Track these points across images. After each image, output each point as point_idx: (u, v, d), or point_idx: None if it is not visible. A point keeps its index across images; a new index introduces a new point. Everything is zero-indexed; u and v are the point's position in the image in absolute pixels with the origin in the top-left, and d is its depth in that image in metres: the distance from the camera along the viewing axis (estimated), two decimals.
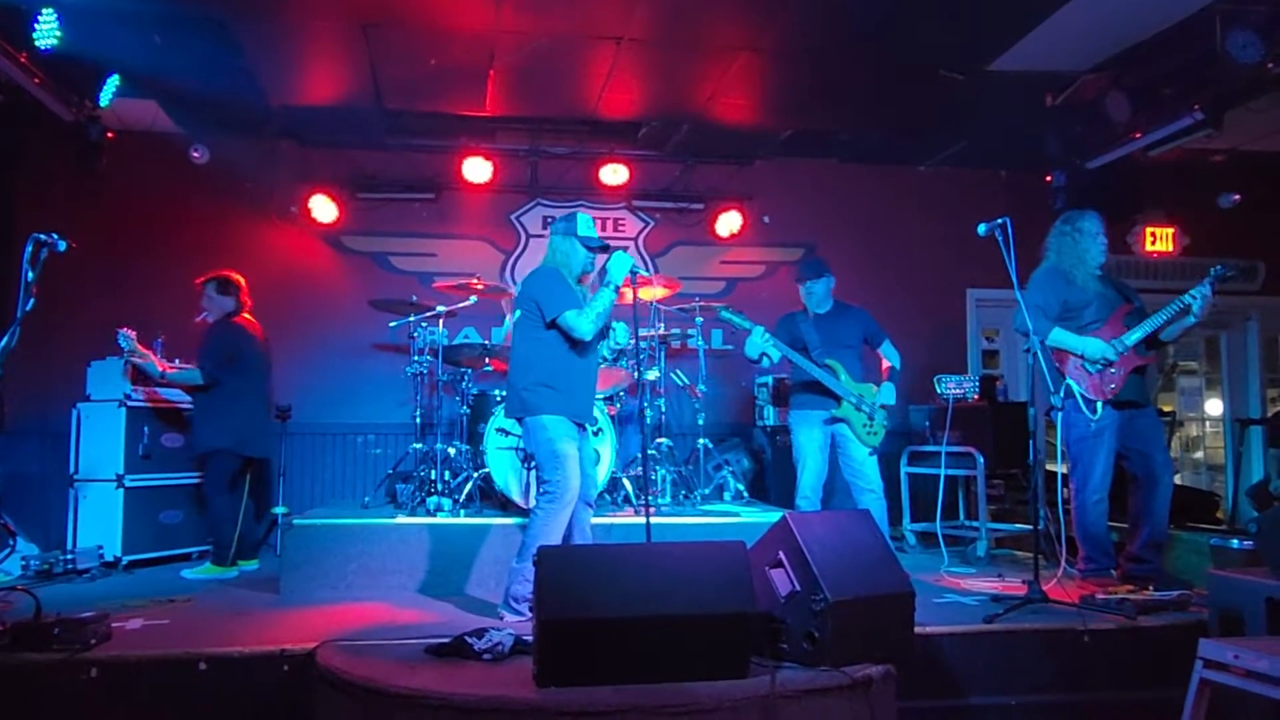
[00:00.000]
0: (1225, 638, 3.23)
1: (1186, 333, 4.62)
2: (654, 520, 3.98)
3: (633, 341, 4.75)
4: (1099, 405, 4.48)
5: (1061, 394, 4.48)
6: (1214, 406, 8.56)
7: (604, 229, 7.35)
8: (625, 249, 7.37)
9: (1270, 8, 4.73)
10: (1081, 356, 4.52)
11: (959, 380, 5.94)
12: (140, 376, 5.55)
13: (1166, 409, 7.60)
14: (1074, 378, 4.50)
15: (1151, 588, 4.17)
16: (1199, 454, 8.69)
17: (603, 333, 4.27)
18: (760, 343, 4.82)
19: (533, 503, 4.65)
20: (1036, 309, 4.54)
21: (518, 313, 4.07)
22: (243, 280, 5.49)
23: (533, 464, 4.59)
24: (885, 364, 5.15)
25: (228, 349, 5.29)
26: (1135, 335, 4.50)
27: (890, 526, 5.45)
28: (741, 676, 2.89)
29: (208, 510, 5.38)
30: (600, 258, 4.16)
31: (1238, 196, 7.25)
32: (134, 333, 5.25)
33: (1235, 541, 4.67)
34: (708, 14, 5.20)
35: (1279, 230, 7.78)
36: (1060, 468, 4.74)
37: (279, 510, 6.13)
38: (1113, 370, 4.49)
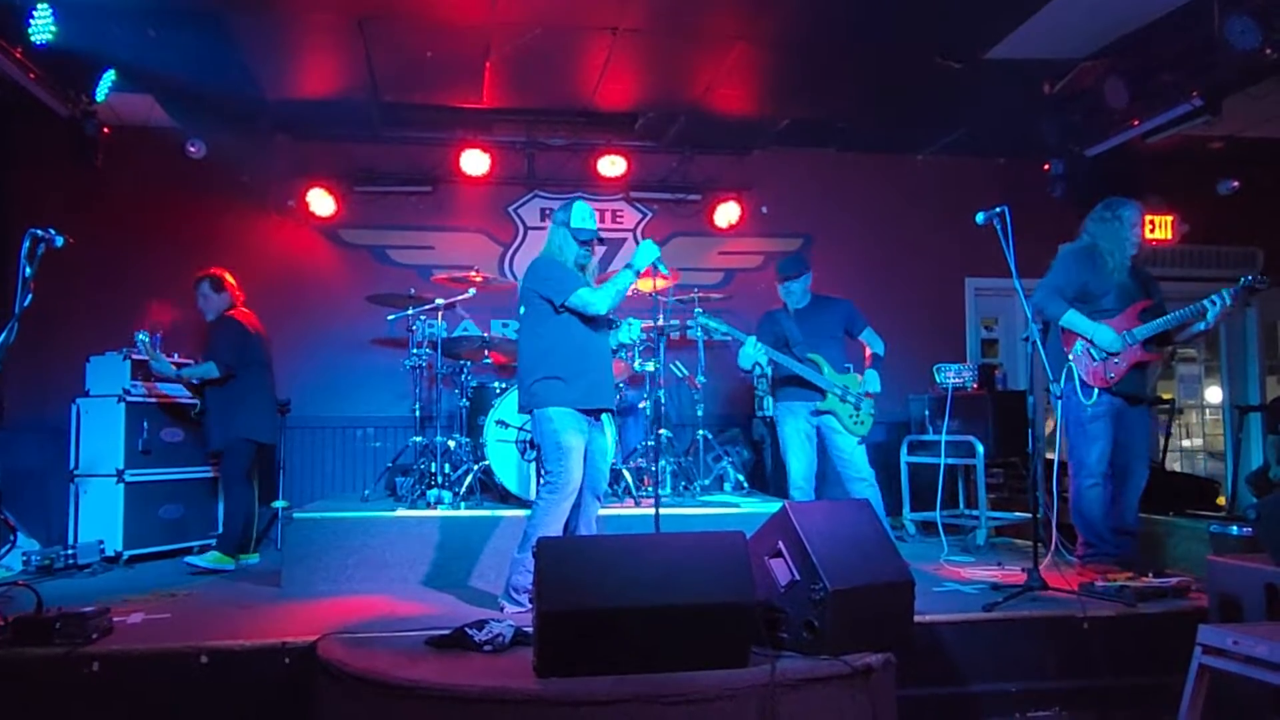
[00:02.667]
0: (1225, 624, 3.23)
1: (1197, 337, 4.61)
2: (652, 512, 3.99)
3: (644, 337, 4.72)
4: (1095, 392, 4.49)
5: (1063, 378, 4.48)
6: (1213, 393, 8.56)
7: (602, 221, 7.30)
8: (625, 241, 7.43)
9: None
10: (1090, 341, 4.52)
11: (958, 369, 5.94)
12: (148, 373, 5.56)
13: (1166, 396, 7.60)
14: (1076, 361, 4.51)
15: (1151, 574, 4.19)
16: (1199, 440, 8.70)
17: (609, 323, 4.25)
18: (754, 353, 4.84)
19: (533, 494, 4.65)
20: (1053, 289, 4.54)
21: (522, 309, 4.06)
22: (231, 276, 5.55)
23: (534, 455, 4.58)
24: (868, 351, 5.15)
25: (238, 341, 5.34)
26: (1145, 331, 4.49)
27: (890, 516, 5.45)
28: (742, 666, 2.89)
29: (227, 500, 5.49)
30: (597, 249, 4.15)
31: (1236, 183, 7.22)
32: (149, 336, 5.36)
33: (1235, 528, 4.66)
34: (703, 3, 5.18)
35: (1278, 217, 7.77)
36: (1059, 455, 4.74)
37: (279, 504, 6.14)
38: (1116, 360, 4.49)
